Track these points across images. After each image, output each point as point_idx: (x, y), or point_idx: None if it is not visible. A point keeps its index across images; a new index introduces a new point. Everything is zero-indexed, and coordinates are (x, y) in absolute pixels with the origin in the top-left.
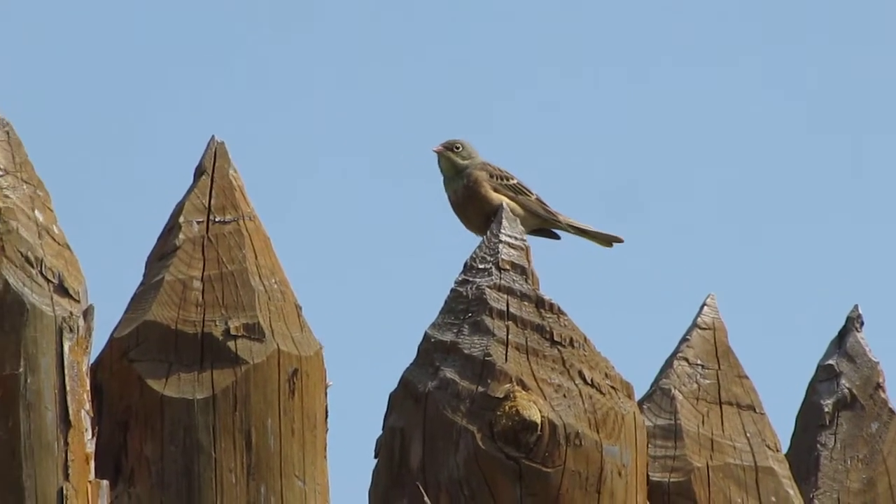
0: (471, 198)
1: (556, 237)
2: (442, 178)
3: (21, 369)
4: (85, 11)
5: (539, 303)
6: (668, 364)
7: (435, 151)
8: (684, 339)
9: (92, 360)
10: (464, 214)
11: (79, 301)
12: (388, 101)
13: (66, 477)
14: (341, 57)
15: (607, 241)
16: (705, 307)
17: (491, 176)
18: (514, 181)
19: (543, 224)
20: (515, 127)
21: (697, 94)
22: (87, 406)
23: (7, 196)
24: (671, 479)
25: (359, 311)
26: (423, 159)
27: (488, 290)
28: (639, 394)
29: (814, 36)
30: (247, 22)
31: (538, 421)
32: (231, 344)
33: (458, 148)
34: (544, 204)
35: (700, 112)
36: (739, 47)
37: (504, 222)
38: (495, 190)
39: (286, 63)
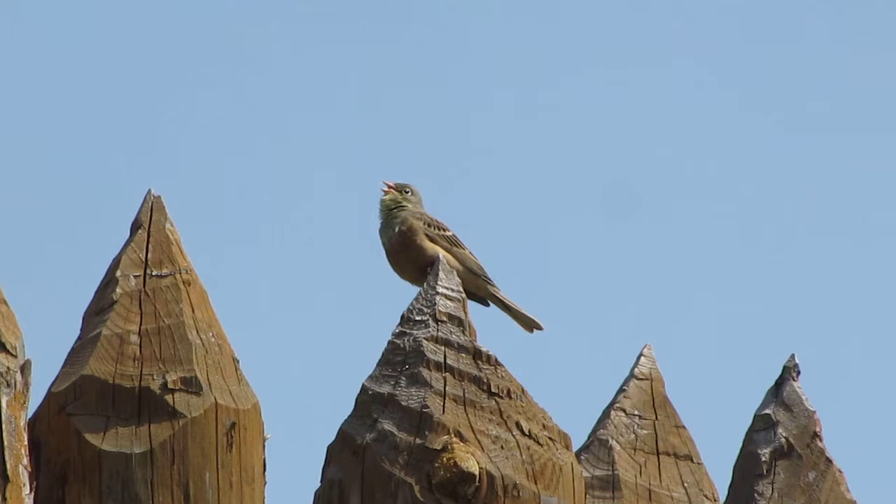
0: (405, 245)
1: (485, 304)
2: (379, 225)
3: None
4: (14, 62)
5: (476, 354)
6: (606, 414)
7: (385, 186)
8: (621, 390)
9: (30, 415)
10: (397, 263)
11: (16, 356)
12: (331, 148)
13: None
14: (279, 98)
15: (528, 325)
16: (642, 357)
17: (428, 225)
18: (450, 233)
19: (475, 283)
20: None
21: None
22: (25, 461)
23: None
24: None
25: (296, 363)
26: (361, 209)
27: (425, 342)
28: (576, 444)
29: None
30: (180, 71)
31: (476, 472)
32: (168, 398)
33: (406, 192)
34: (476, 259)
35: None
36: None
37: (441, 274)
38: (431, 239)
39: (219, 114)
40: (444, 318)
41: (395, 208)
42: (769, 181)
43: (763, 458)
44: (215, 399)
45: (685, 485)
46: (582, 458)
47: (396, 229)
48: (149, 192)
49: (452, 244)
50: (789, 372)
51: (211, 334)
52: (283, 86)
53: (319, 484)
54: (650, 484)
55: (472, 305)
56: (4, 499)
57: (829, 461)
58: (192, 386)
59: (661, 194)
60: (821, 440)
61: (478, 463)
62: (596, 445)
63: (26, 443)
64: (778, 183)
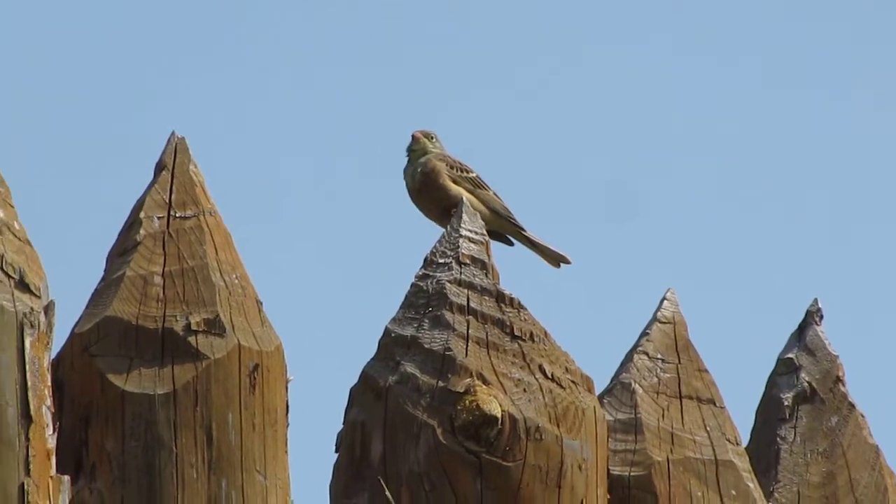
0: (428, 186)
1: (510, 243)
2: (405, 164)
3: None
4: (42, 8)
5: (499, 297)
6: (628, 358)
7: (414, 135)
8: (644, 334)
9: (53, 356)
10: (421, 204)
11: (40, 297)
12: (353, 97)
13: (28, 472)
14: (305, 51)
15: (555, 260)
16: (665, 301)
17: (450, 167)
18: (474, 174)
19: (499, 223)
20: (496, 123)
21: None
22: (49, 402)
23: None
24: (631, 473)
25: (319, 305)
26: (385, 152)
27: (448, 284)
28: (599, 388)
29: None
30: (207, 18)
31: (498, 415)
32: (192, 339)
33: (432, 138)
34: (501, 200)
35: (680, 105)
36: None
37: (464, 216)
38: (454, 181)
39: (246, 58)
40: (468, 261)
41: (425, 152)
42: (793, 128)
43: (786, 403)
44: (238, 341)
45: (708, 428)
46: (605, 401)
47: (420, 170)
48: (172, 133)
49: (476, 185)
50: (812, 316)
51: (234, 276)
52: (307, 30)
53: (342, 426)
54: (673, 427)
55: (495, 247)
56: (28, 439)
57: (851, 406)
58: (215, 327)
59: (685, 139)
60: (843, 385)
61: (500, 406)
62: (619, 389)
63: (49, 383)
64: (802, 128)
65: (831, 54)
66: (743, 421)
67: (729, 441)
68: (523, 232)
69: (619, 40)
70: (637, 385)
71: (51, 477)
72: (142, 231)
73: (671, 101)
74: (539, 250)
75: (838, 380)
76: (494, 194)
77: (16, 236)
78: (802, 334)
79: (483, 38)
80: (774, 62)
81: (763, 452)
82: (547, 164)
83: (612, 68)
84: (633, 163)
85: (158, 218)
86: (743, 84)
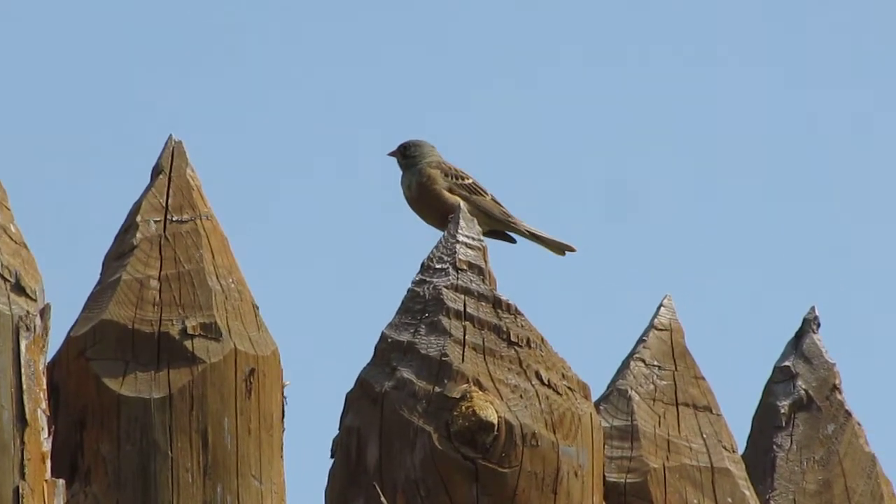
0: (424, 195)
1: (512, 240)
2: (400, 174)
3: None
4: (40, 11)
5: (496, 303)
6: (625, 365)
7: (389, 155)
8: (641, 340)
9: (48, 359)
10: (419, 211)
11: (35, 300)
12: (350, 101)
13: (23, 476)
14: (303, 56)
15: (560, 249)
16: (662, 308)
17: (445, 175)
18: (470, 181)
19: (498, 226)
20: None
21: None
22: (44, 405)
23: None
24: (628, 480)
25: (315, 310)
26: (382, 156)
27: (445, 290)
28: (595, 394)
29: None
30: (205, 22)
31: (495, 421)
32: (188, 343)
33: (407, 149)
34: (500, 205)
35: (678, 109)
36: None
37: (461, 222)
38: (450, 190)
39: (244, 62)
40: (465, 267)
41: (409, 161)
42: (791, 129)
43: (782, 410)
44: (234, 345)
45: (704, 436)
46: (601, 408)
47: (415, 179)
48: (170, 137)
49: (472, 192)
50: (809, 324)
51: (231, 280)
52: (305, 34)
53: (338, 431)
54: (669, 434)
55: (494, 250)
56: (23, 442)
57: (848, 414)
58: (211, 332)
59: (684, 133)
60: (840, 393)
61: (496, 412)
62: (615, 396)
63: (45, 387)
64: (800, 129)
65: (831, 53)
66: (739, 428)
67: (725, 448)
68: (525, 230)
69: (618, 40)
70: (633, 392)
71: (46, 481)
72: (138, 235)
73: (668, 105)
74: (542, 242)
75: (835, 388)
76: (492, 199)
77: (12, 239)
78: (799, 342)
79: (486, 33)
80: (775, 63)
81: (759, 460)
82: (545, 164)
83: (610, 65)
84: (632, 169)
85: (155, 222)
86: (741, 88)
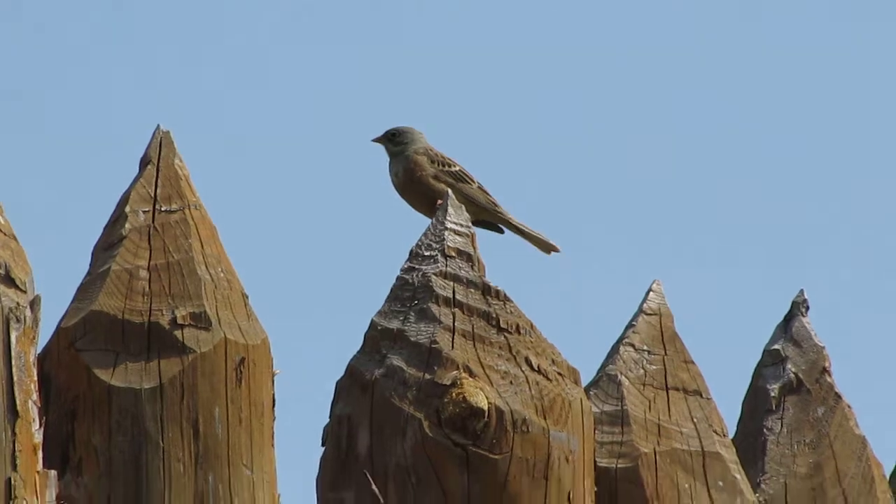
0: (411, 182)
1: (500, 230)
2: (388, 162)
3: None
4: (25, 4)
5: (485, 290)
6: (615, 350)
7: (374, 142)
8: (630, 325)
9: (39, 351)
10: (407, 198)
11: (25, 291)
12: (337, 88)
13: (14, 467)
14: (289, 44)
15: (545, 247)
16: (651, 293)
17: (432, 161)
18: (457, 168)
19: (484, 215)
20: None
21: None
22: (35, 396)
23: None
24: (618, 465)
25: (305, 299)
26: (370, 144)
27: (434, 277)
28: (585, 380)
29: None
30: (192, 12)
31: (485, 408)
32: (178, 333)
33: (394, 135)
34: (486, 193)
35: (665, 98)
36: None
37: (450, 209)
38: (436, 177)
39: (231, 52)
40: (453, 254)
41: (397, 149)
42: (782, 111)
43: (772, 394)
44: (224, 334)
45: (694, 420)
46: (591, 393)
47: (402, 166)
48: (157, 127)
49: (458, 180)
50: (798, 307)
51: (220, 269)
52: (290, 23)
53: (328, 419)
54: (659, 419)
55: (482, 238)
56: (14, 433)
57: (838, 397)
58: (201, 321)
59: (672, 123)
60: (830, 375)
61: (487, 398)
62: (605, 381)
63: (35, 378)
64: (790, 113)
65: (825, 42)
66: (729, 412)
67: (716, 432)
68: (511, 222)
69: (618, 39)
70: (623, 377)
71: (37, 472)
72: (127, 225)
73: (657, 93)
74: (527, 237)
75: (824, 371)
76: (479, 187)
77: (1, 231)
78: (788, 325)
79: (479, 29)
80: (770, 51)
81: (750, 444)
82: (535, 155)
83: (608, 61)
84: (620, 153)
85: (144, 212)
86: (726, 71)
